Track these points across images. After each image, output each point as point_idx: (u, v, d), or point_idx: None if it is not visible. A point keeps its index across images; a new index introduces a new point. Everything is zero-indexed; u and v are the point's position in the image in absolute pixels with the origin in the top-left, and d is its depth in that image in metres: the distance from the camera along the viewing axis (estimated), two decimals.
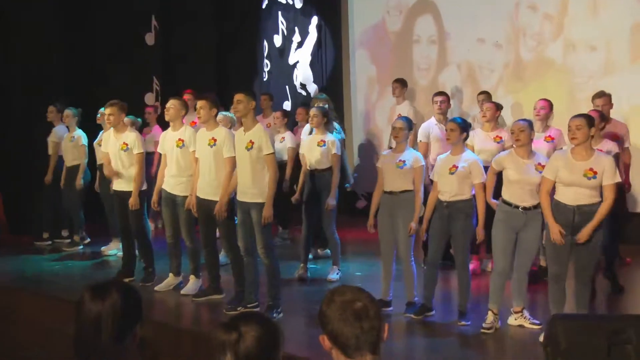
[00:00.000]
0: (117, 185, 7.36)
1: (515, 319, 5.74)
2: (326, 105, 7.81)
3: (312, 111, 7.38)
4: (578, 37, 8.87)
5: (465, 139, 6.08)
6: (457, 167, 5.88)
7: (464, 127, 6.00)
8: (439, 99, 7.92)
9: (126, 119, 7.87)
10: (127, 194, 7.16)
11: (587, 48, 8.80)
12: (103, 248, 8.81)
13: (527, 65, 9.38)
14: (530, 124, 5.72)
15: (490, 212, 5.81)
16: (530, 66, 9.35)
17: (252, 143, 6.02)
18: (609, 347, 4.62)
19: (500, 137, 7.10)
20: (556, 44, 9.07)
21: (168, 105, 6.95)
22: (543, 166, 5.52)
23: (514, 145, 5.80)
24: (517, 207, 5.63)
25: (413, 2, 10.52)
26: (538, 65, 9.27)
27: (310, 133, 7.88)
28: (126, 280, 7.26)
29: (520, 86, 9.42)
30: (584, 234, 5.20)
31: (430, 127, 7.78)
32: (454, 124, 5.98)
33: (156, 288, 7.02)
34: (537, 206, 5.56)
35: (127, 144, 7.18)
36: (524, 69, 9.41)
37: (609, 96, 7.03)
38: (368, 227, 6.41)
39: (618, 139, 6.81)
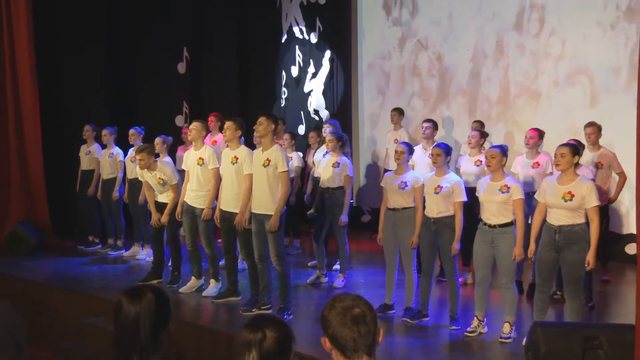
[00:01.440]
0: (158, 198, 7.39)
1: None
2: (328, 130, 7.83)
3: (328, 136, 7.34)
4: (562, 73, 8.88)
5: (449, 162, 6.07)
6: (441, 187, 5.88)
7: (448, 151, 6.00)
8: (424, 125, 7.94)
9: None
10: (165, 206, 7.22)
11: (570, 84, 8.82)
12: (125, 254, 8.83)
13: (516, 97, 9.38)
14: (502, 150, 5.67)
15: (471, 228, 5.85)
16: (520, 99, 9.35)
17: (269, 161, 6.05)
18: (584, 351, 4.62)
19: (480, 161, 7.03)
20: (542, 79, 9.09)
21: (191, 127, 6.97)
22: (508, 187, 5.51)
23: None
24: (485, 224, 5.63)
25: (415, 39, 10.56)
26: (526, 98, 9.27)
27: (325, 154, 7.89)
28: (155, 281, 7.31)
29: (509, 115, 9.43)
30: (591, 260, 5.13)
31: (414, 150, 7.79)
32: (440, 149, 5.97)
33: (180, 290, 7.03)
34: (503, 225, 5.52)
35: (162, 179, 7.21)
36: (513, 101, 9.41)
37: (597, 126, 7.04)
38: (378, 240, 6.40)
39: (601, 167, 6.86)
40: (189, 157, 6.95)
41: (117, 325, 2.35)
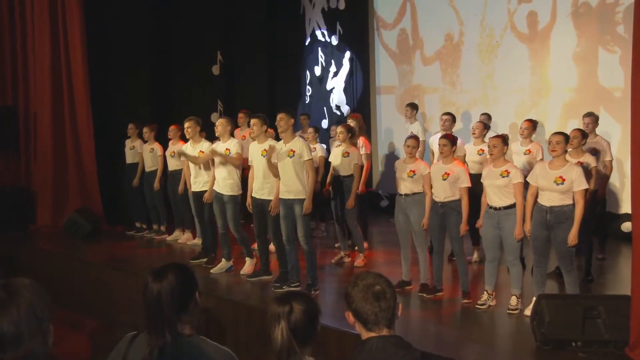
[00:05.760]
0: (195, 187, 7.40)
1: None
2: (351, 123, 7.72)
3: (339, 128, 7.25)
4: (561, 69, 8.75)
5: (454, 151, 6.03)
6: (448, 174, 5.85)
7: (453, 142, 5.97)
8: (443, 117, 7.85)
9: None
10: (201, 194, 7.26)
11: (568, 79, 8.69)
12: (168, 238, 8.84)
13: (519, 91, 9.26)
14: (503, 139, 5.65)
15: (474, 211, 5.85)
16: (522, 92, 9.23)
17: (293, 152, 6.04)
18: (584, 320, 4.61)
19: (483, 150, 7.02)
20: (543, 74, 8.98)
21: (217, 123, 6.95)
22: (508, 172, 5.47)
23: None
24: (490, 207, 5.59)
25: (426, 40, 10.47)
26: (528, 92, 9.16)
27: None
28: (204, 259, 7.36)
29: (513, 108, 9.31)
30: (572, 237, 5.12)
31: (435, 141, 7.73)
32: (446, 140, 5.94)
33: (211, 271, 7.01)
34: (507, 207, 5.48)
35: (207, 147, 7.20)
36: (517, 94, 9.28)
37: (595, 116, 6.95)
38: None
39: (597, 152, 6.72)
40: (217, 149, 6.86)
41: (145, 302, 2.37)
